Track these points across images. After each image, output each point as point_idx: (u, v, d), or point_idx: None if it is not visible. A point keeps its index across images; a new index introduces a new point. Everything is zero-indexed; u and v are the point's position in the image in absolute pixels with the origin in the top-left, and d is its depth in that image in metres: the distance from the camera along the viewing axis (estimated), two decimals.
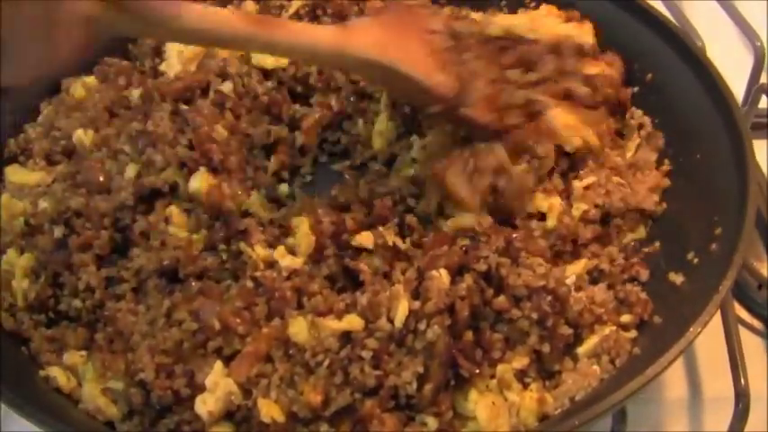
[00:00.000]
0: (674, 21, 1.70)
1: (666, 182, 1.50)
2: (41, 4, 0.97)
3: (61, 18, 0.98)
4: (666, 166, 1.51)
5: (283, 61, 1.60)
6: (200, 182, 1.39)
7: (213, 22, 1.19)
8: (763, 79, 1.82)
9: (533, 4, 1.74)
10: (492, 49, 1.48)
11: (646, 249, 1.43)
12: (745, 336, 1.49)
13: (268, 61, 1.60)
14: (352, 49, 1.31)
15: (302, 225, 1.35)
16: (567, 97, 1.49)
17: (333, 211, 1.37)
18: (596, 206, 1.45)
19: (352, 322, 1.23)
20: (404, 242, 1.36)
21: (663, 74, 1.58)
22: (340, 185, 1.44)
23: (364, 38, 1.32)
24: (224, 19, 1.21)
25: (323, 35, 1.31)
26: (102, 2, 1.02)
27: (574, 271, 1.36)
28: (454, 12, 1.70)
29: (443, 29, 1.43)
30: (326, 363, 1.21)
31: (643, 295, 1.35)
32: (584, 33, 1.62)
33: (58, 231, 1.37)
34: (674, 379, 1.49)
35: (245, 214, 1.39)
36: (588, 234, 1.42)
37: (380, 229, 1.34)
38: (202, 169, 1.41)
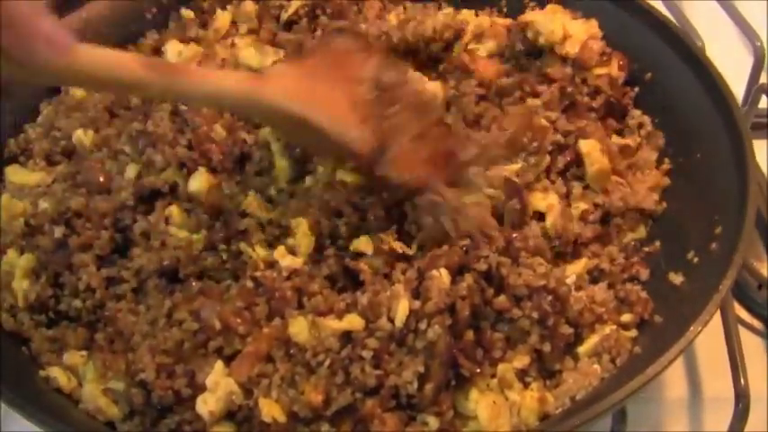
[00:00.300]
0: (674, 21, 1.70)
1: (666, 181, 1.50)
2: None
3: None
4: (666, 166, 1.52)
5: None
6: (199, 182, 1.39)
7: (109, 67, 1.15)
8: (763, 79, 1.82)
9: (533, 4, 1.74)
10: (420, 101, 1.42)
11: (646, 249, 1.44)
12: (745, 336, 1.49)
13: None
14: (262, 97, 1.26)
15: (301, 225, 1.35)
16: (570, 107, 1.50)
17: (325, 215, 1.37)
18: (596, 206, 1.46)
19: (353, 322, 1.23)
20: (409, 247, 1.35)
21: (663, 74, 1.58)
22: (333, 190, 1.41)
23: (278, 86, 1.28)
24: (122, 63, 1.16)
25: (231, 82, 1.27)
26: None
27: (574, 270, 1.36)
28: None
29: (372, 78, 1.35)
30: (327, 362, 1.21)
31: (643, 294, 1.36)
32: (592, 30, 1.63)
33: (59, 232, 1.37)
34: (674, 379, 1.49)
35: (244, 215, 1.39)
36: (588, 233, 1.42)
37: (381, 235, 1.34)
38: (202, 169, 1.41)
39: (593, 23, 1.64)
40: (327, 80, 1.32)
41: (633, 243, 1.44)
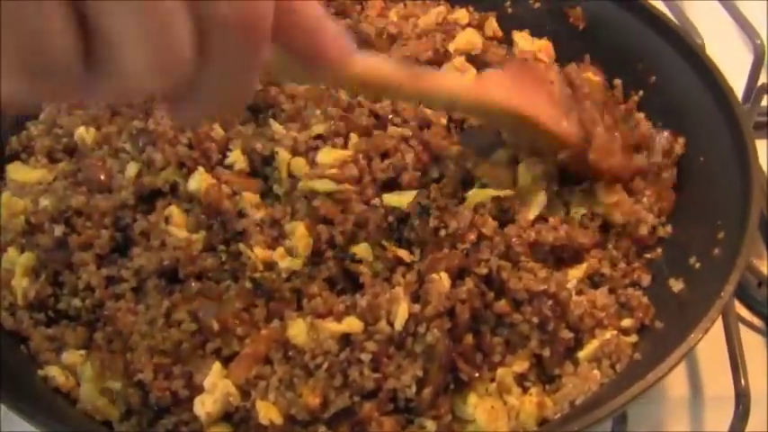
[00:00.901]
0: (674, 20, 1.70)
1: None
2: None
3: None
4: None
5: None
6: (198, 181, 1.39)
7: (375, 73, 1.18)
8: (763, 78, 1.83)
9: (537, 5, 1.75)
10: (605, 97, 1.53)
11: (648, 255, 1.43)
12: (746, 334, 1.49)
13: None
14: (491, 99, 1.34)
15: (298, 227, 1.35)
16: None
17: (314, 221, 1.37)
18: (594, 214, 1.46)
19: (352, 325, 1.23)
20: (410, 253, 1.35)
21: (665, 75, 1.57)
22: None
23: (500, 89, 1.36)
24: (383, 70, 1.20)
25: (462, 86, 1.35)
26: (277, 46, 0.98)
27: (575, 275, 1.36)
28: None
29: (560, 79, 1.46)
30: (326, 365, 1.21)
31: (644, 299, 1.35)
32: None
33: (59, 230, 1.37)
34: (674, 378, 1.49)
35: (242, 215, 1.38)
36: (588, 239, 1.41)
37: (383, 241, 1.34)
38: (201, 169, 1.40)
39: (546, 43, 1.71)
40: (529, 84, 1.41)
41: (635, 249, 1.44)
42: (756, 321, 1.57)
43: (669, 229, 1.45)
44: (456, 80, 1.40)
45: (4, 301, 1.36)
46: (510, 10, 1.77)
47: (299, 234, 1.34)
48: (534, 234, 1.36)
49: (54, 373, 1.28)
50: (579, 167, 1.44)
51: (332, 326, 1.23)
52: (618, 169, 1.45)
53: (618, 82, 1.65)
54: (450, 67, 1.62)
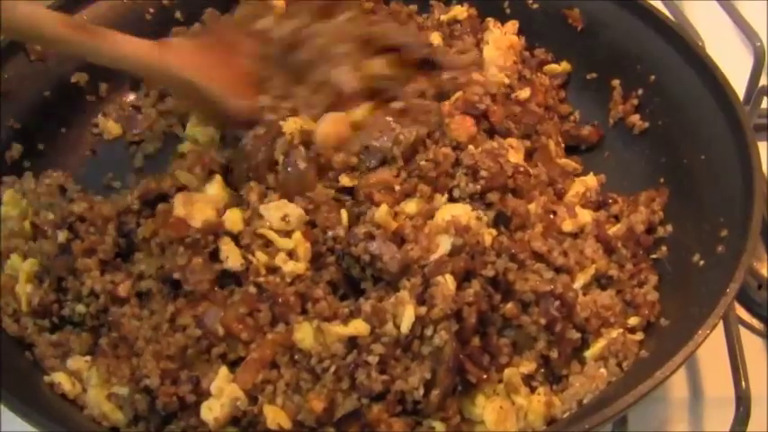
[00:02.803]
0: (675, 21, 1.70)
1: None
2: None
3: None
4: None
5: None
6: (215, 189, 1.42)
7: (33, 22, 1.28)
8: (763, 80, 1.83)
9: (536, 5, 1.75)
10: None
11: (654, 255, 1.43)
12: (746, 336, 1.49)
13: None
14: (166, 64, 1.44)
15: (295, 232, 1.35)
16: None
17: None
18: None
19: (359, 327, 1.23)
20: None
21: (666, 75, 1.58)
22: None
23: (178, 56, 1.46)
24: (46, 19, 1.29)
25: (143, 48, 1.42)
26: None
27: (583, 278, 1.36)
28: None
29: (253, 53, 1.55)
30: (333, 368, 1.21)
31: (650, 297, 1.35)
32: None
33: (62, 236, 1.37)
34: (675, 380, 1.49)
35: None
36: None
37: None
38: (218, 177, 1.43)
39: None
40: (217, 56, 1.51)
41: (641, 252, 1.43)
42: (756, 323, 1.57)
43: (669, 228, 1.45)
44: (136, 43, 1.42)
45: (8, 307, 1.36)
46: (508, 11, 1.78)
47: (296, 238, 1.34)
48: None
49: (60, 379, 1.28)
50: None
51: (339, 329, 1.23)
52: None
53: (617, 82, 1.66)
54: None
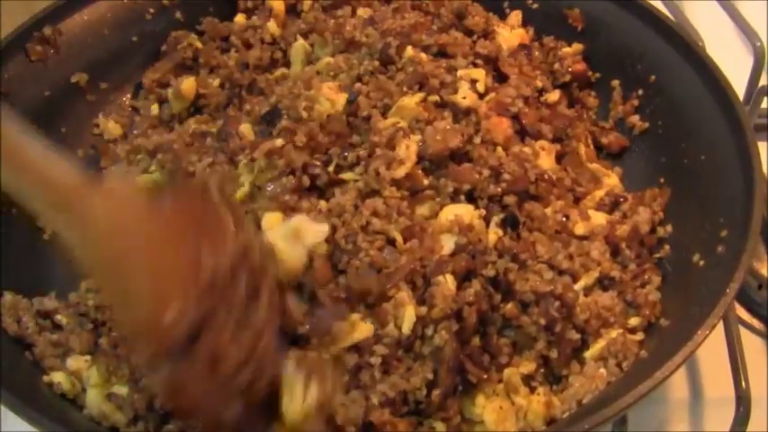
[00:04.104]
0: (675, 21, 1.70)
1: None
2: None
3: None
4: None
5: None
6: None
7: None
8: (763, 80, 1.82)
9: (536, 5, 1.75)
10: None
11: (657, 255, 1.43)
12: (746, 336, 1.49)
13: None
14: (88, 205, 1.03)
15: None
16: None
17: None
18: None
19: (363, 331, 1.23)
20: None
21: (666, 75, 1.57)
22: None
23: (112, 204, 1.05)
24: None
25: (65, 174, 1.04)
26: None
27: (585, 280, 1.35)
28: None
29: (231, 254, 1.10)
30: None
31: (651, 297, 1.35)
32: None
33: None
34: (675, 380, 1.49)
35: None
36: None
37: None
38: None
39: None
40: (175, 235, 1.09)
41: (645, 252, 1.43)
42: (756, 323, 1.57)
43: (669, 228, 1.45)
44: (53, 162, 1.04)
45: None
46: (508, 11, 1.77)
47: None
48: None
49: (59, 379, 1.29)
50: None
51: (343, 343, 1.23)
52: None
53: (616, 82, 1.66)
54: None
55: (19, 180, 1.02)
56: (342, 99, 1.47)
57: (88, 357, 1.31)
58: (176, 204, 1.14)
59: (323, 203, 1.35)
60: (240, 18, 1.77)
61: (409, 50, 1.57)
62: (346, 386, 1.20)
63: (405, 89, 1.49)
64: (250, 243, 1.13)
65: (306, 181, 1.36)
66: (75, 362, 1.31)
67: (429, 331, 1.22)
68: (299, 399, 1.12)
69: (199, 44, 1.73)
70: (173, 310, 1.02)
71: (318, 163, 1.39)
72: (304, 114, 1.44)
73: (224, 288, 1.06)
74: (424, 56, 1.57)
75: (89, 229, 1.02)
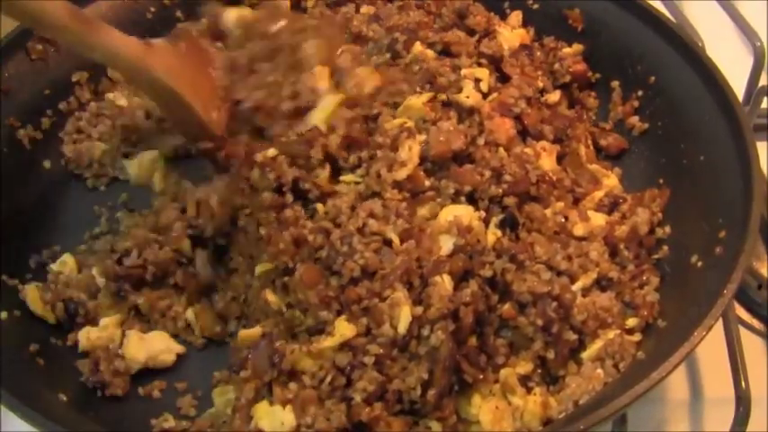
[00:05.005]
0: (674, 21, 1.70)
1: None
2: None
3: None
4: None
5: None
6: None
7: (41, 4, 1.24)
8: (763, 80, 1.82)
9: (536, 6, 1.75)
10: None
11: (656, 255, 1.43)
12: (746, 336, 1.49)
13: None
14: (150, 67, 1.39)
15: None
16: None
17: None
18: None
19: (344, 332, 1.24)
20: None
21: (665, 75, 1.58)
22: None
23: (163, 60, 1.41)
24: (53, 6, 1.25)
25: (132, 47, 1.38)
26: None
27: (584, 281, 1.35)
28: None
29: (224, 66, 1.52)
30: (329, 378, 1.23)
31: (650, 298, 1.35)
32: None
33: None
34: (674, 380, 1.48)
35: None
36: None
37: None
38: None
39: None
40: (194, 64, 1.48)
41: (644, 253, 1.44)
42: (756, 323, 1.57)
43: (668, 229, 1.45)
44: (125, 40, 1.38)
45: None
46: (508, 11, 1.77)
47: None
48: None
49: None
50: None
51: (327, 342, 1.24)
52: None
53: (616, 83, 1.66)
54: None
55: (112, 61, 1.44)
56: None
57: None
58: (184, 43, 1.51)
59: (319, 206, 1.36)
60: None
61: (417, 46, 1.58)
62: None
63: (417, 88, 1.51)
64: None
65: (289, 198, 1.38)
66: None
67: (425, 331, 1.22)
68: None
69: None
70: (214, 112, 1.46)
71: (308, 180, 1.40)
72: (353, 92, 1.50)
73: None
74: (430, 52, 1.58)
75: (154, 75, 1.40)
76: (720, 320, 1.43)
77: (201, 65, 1.49)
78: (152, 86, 1.43)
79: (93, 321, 1.40)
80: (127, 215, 1.52)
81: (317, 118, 1.45)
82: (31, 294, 1.40)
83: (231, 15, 1.63)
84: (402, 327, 1.22)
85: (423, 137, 1.42)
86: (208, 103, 1.45)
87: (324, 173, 1.40)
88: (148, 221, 1.46)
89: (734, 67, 1.60)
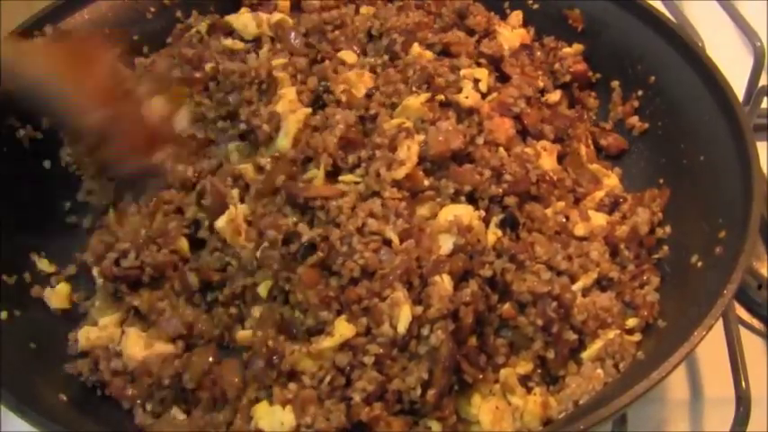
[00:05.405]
0: (674, 21, 1.70)
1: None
2: None
3: None
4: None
5: None
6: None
7: None
8: (763, 80, 1.82)
9: (536, 6, 1.75)
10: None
11: (656, 255, 1.43)
12: (746, 336, 1.49)
13: None
14: (31, 59, 1.39)
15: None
16: None
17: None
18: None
19: (344, 331, 1.24)
20: None
21: (666, 76, 1.58)
22: None
23: (46, 51, 1.44)
24: None
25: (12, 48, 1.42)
26: None
27: (584, 281, 1.35)
28: None
29: (114, 68, 1.51)
30: (328, 378, 1.23)
31: (650, 298, 1.35)
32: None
33: None
34: (674, 380, 1.48)
35: None
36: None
37: None
38: None
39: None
40: (84, 60, 1.44)
41: (644, 253, 1.44)
42: (756, 323, 1.57)
43: (668, 229, 1.45)
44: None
45: None
46: (508, 11, 1.78)
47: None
48: None
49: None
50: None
51: (327, 342, 1.24)
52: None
53: (616, 83, 1.66)
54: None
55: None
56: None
57: None
58: (70, 44, 1.53)
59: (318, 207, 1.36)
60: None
61: (416, 47, 1.58)
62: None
63: (414, 88, 1.50)
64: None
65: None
66: None
67: (425, 331, 1.22)
68: None
69: (205, 34, 1.72)
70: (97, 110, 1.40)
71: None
72: (342, 98, 1.48)
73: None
74: (429, 53, 1.58)
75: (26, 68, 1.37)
76: (720, 320, 1.43)
77: (90, 63, 1.46)
78: (21, 78, 1.41)
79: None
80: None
81: (284, 144, 1.45)
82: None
83: None
84: (402, 327, 1.22)
85: (421, 137, 1.42)
86: (94, 99, 1.41)
87: (319, 173, 1.40)
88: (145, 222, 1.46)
89: (734, 67, 1.60)
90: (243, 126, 1.50)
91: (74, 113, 1.41)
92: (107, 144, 1.43)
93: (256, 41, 1.66)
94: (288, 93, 1.49)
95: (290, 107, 1.47)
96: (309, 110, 1.46)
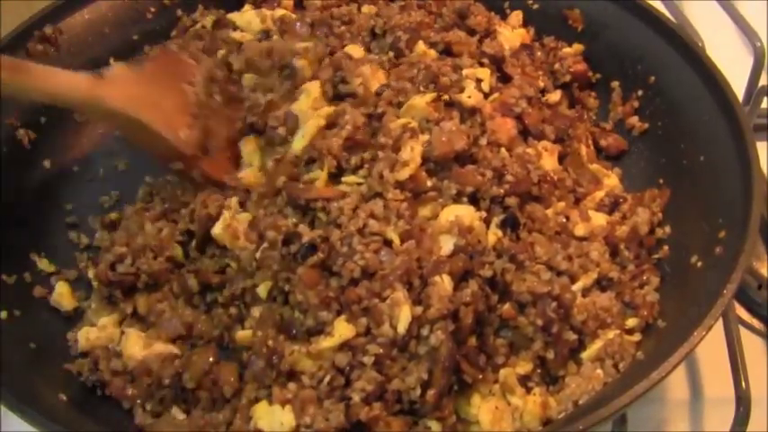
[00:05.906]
0: (674, 21, 1.70)
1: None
2: None
3: None
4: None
5: None
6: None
7: None
8: (763, 80, 1.82)
9: (536, 6, 1.75)
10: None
11: (656, 255, 1.43)
12: (746, 336, 1.49)
13: None
14: (101, 100, 1.39)
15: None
16: None
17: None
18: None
19: (344, 332, 1.24)
20: None
21: (666, 76, 1.58)
22: None
23: (116, 89, 1.41)
24: None
25: (73, 83, 1.39)
26: None
27: (584, 281, 1.35)
28: None
29: (203, 83, 1.52)
30: (327, 378, 1.23)
31: (650, 298, 1.35)
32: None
33: None
34: (674, 380, 1.48)
35: None
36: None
37: None
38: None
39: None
40: (162, 85, 1.47)
41: (644, 253, 1.44)
42: (756, 323, 1.57)
43: (668, 229, 1.45)
44: (67, 77, 1.40)
45: None
46: (508, 11, 1.78)
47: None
48: None
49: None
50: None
51: (327, 343, 1.24)
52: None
53: (616, 83, 1.66)
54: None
55: (54, 100, 1.41)
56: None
57: None
58: (151, 64, 1.54)
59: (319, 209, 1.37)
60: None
61: (420, 45, 1.58)
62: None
63: (421, 88, 1.50)
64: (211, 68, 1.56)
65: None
66: None
67: (425, 331, 1.22)
68: None
69: (210, 26, 1.72)
70: (181, 132, 1.46)
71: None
72: (360, 91, 1.48)
73: (207, 101, 1.51)
74: (432, 52, 1.58)
75: (107, 107, 1.39)
76: (720, 320, 1.43)
77: (172, 81, 1.49)
78: (107, 117, 1.46)
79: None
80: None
81: (299, 146, 1.44)
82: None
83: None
84: (402, 327, 1.22)
85: (425, 137, 1.42)
86: (175, 122, 1.45)
87: (322, 175, 1.40)
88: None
89: (734, 67, 1.60)
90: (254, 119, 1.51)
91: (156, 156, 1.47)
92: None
93: (264, 33, 1.66)
94: (312, 89, 1.50)
95: (313, 105, 1.48)
96: (332, 109, 1.46)
